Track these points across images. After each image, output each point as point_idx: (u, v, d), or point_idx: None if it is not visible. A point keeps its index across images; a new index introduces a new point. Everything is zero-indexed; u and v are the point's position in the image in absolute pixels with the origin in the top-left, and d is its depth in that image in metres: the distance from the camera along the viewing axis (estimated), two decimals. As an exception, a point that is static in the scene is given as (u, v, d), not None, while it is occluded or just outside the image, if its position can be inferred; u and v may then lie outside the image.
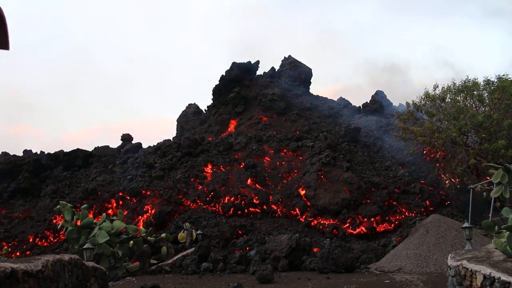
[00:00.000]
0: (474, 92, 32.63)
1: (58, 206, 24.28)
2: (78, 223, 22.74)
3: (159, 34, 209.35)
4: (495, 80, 32.72)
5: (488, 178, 18.12)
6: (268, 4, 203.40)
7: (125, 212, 34.20)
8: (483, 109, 32.54)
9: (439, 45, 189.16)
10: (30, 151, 47.55)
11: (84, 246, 17.83)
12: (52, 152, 47.39)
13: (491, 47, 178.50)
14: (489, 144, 29.29)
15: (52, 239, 34.63)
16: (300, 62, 60.19)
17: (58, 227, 25.05)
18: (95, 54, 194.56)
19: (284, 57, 61.50)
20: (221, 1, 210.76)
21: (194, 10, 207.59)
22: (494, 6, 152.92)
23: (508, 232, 9.44)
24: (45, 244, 34.22)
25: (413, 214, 33.22)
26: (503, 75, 32.98)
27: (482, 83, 33.19)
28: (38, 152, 48.46)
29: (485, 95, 32.59)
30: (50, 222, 35.66)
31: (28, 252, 32.80)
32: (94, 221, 23.41)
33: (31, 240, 34.39)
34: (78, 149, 47.13)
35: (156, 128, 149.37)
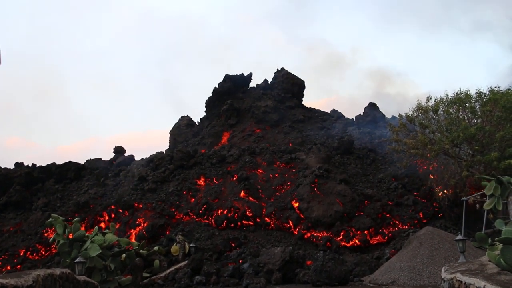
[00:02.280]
0: (466, 104, 32.82)
1: (50, 219, 24.07)
2: (70, 236, 22.54)
3: (153, 45, 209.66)
4: (487, 92, 32.96)
5: (481, 190, 18.17)
6: (261, 16, 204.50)
7: (117, 225, 33.90)
8: (476, 121, 32.71)
9: (431, 57, 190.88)
10: (22, 163, 47.23)
11: (76, 260, 17.68)
12: (44, 164, 47.13)
13: (482, 60, 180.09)
14: (482, 156, 29.43)
15: (43, 252, 34.28)
16: (293, 75, 60.42)
17: (50, 240, 24.83)
18: (88, 65, 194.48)
19: (277, 70, 61.77)
20: (213, 14, 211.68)
21: (185, 22, 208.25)
22: (483, 20, 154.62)
23: (501, 245, 9.44)
24: (36, 257, 33.86)
25: (406, 227, 33.18)
26: (495, 87, 33.26)
27: (474, 95, 33.40)
28: (30, 165, 48.16)
29: (477, 107, 32.78)
30: (41, 236, 35.31)
31: (19, 266, 32.43)
32: (86, 234, 23.23)
33: (22, 254, 34.01)
34: (70, 162, 46.89)
35: (149, 140, 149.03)
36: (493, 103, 31.14)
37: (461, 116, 33.31)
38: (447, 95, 34.29)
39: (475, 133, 29.82)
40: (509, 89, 32.86)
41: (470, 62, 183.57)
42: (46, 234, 35.23)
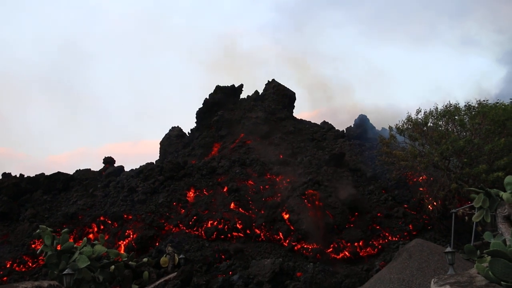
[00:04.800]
0: (456, 117, 33.09)
1: (38, 231, 23.85)
2: (58, 248, 22.33)
3: (144, 55, 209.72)
4: (476, 105, 33.26)
5: (470, 202, 18.27)
6: (252, 28, 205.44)
7: (106, 237, 33.68)
8: (464, 133, 32.96)
9: (420, 70, 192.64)
10: (10, 174, 46.78)
11: (64, 272, 17.51)
12: (33, 175, 46.73)
13: (470, 73, 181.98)
14: (470, 168, 29.60)
15: (30, 264, 33.89)
16: (283, 86, 60.59)
17: (38, 251, 24.61)
18: (78, 75, 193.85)
19: (268, 81, 61.90)
20: (205, 24, 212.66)
21: (177, 32, 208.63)
22: (470, 34, 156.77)
23: (490, 257, 9.49)
24: (23, 269, 33.46)
25: (396, 239, 33.22)
26: (484, 100, 33.57)
27: (463, 108, 33.70)
28: (18, 175, 47.73)
29: (466, 120, 33.06)
30: (28, 247, 34.93)
31: (5, 278, 32.01)
32: (75, 245, 23.03)
33: (8, 266, 33.57)
34: (58, 172, 46.57)
35: (139, 151, 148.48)
36: (482, 116, 31.43)
37: (450, 129, 33.57)
38: (437, 107, 34.60)
39: (464, 146, 30.03)
40: (497, 103, 33.21)
41: (459, 75, 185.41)
42: (33, 246, 34.88)
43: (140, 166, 46.90)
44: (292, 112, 60.29)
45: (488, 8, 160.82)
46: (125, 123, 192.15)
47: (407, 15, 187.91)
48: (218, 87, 58.14)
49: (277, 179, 40.93)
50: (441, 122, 34.01)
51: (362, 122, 57.89)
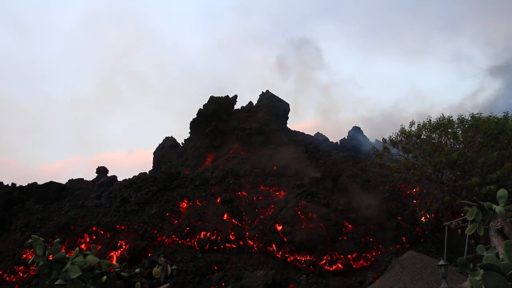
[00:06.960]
0: (449, 130, 33.27)
1: (29, 240, 23.67)
2: (50, 258, 22.17)
3: (139, 63, 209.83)
4: (469, 119, 33.46)
5: (463, 215, 18.33)
6: (245, 38, 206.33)
7: (99, 247, 33.45)
8: (458, 146, 33.13)
9: (413, 84, 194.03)
10: (2, 183, 46.48)
11: (56, 282, 17.40)
12: (26, 184, 46.47)
13: (463, 86, 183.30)
14: (463, 181, 29.71)
15: (21, 274, 33.60)
16: (277, 97, 60.72)
17: (29, 261, 24.40)
18: (73, 82, 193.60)
19: (262, 92, 61.99)
20: (198, 34, 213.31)
21: (172, 39, 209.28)
22: (462, 47, 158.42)
23: (483, 270, 9.51)
24: (14, 279, 33.17)
25: (390, 250, 33.23)
26: (477, 113, 33.77)
27: (456, 121, 33.88)
28: (10, 184, 47.43)
29: (460, 133, 33.24)
30: (20, 257, 34.64)
31: (-4, 288, 31.80)
32: (67, 255, 22.87)
33: (-1, 276, 33.35)
34: (51, 182, 46.30)
35: (133, 161, 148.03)
36: (475, 130, 31.61)
37: (443, 142, 33.73)
38: (430, 120, 34.75)
39: (457, 159, 30.18)
40: (490, 116, 33.41)
41: (451, 88, 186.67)
42: (24, 256, 34.57)
43: (133, 176, 46.72)
44: (286, 123, 60.42)
45: (480, 22, 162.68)
46: (119, 133, 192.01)
47: (400, 29, 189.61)
48: (212, 98, 58.13)
49: (271, 190, 40.89)
50: (434, 135, 34.17)
51: (356, 134, 58.12)
